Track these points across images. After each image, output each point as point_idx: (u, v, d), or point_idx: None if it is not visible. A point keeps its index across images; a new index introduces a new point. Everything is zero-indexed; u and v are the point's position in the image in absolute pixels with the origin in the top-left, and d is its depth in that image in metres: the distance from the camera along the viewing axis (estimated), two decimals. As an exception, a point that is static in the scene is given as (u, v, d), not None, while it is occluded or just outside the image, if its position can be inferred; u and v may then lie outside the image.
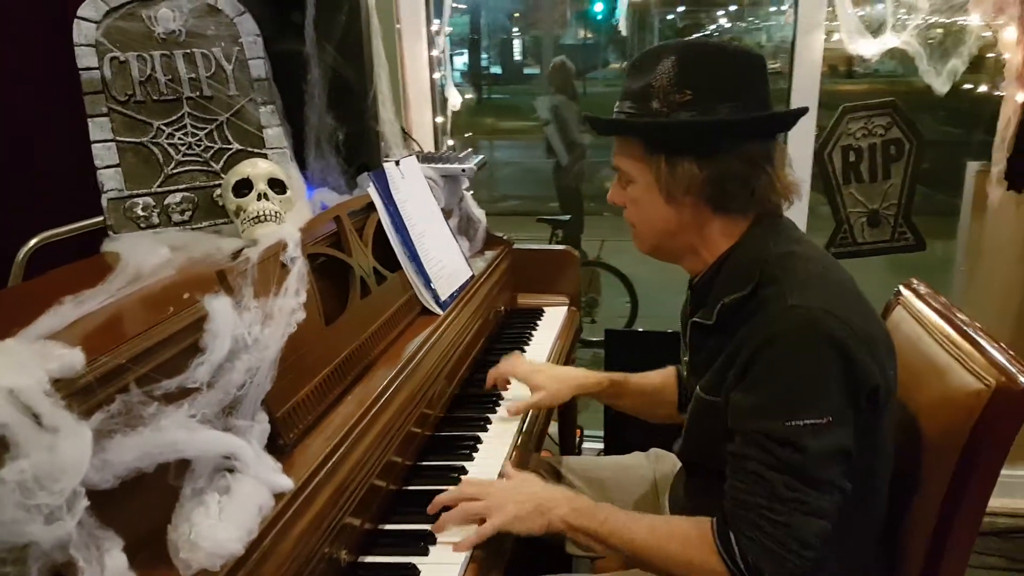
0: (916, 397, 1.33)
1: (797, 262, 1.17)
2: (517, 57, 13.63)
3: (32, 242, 1.59)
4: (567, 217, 4.61)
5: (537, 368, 1.68)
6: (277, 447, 1.12)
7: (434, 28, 2.44)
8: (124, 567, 0.85)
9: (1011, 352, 1.21)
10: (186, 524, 0.95)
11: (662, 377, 1.66)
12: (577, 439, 2.56)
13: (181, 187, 1.47)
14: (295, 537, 1.03)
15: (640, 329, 2.75)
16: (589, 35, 13.49)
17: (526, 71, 13.49)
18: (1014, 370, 1.16)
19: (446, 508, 1.27)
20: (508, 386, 1.71)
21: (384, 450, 1.29)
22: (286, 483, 1.05)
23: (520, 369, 1.66)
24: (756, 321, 1.14)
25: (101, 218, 1.44)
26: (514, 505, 1.24)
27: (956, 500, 1.20)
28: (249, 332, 1.11)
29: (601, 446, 2.71)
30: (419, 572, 1.16)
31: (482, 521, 1.23)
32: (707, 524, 1.17)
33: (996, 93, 2.32)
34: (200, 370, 1.03)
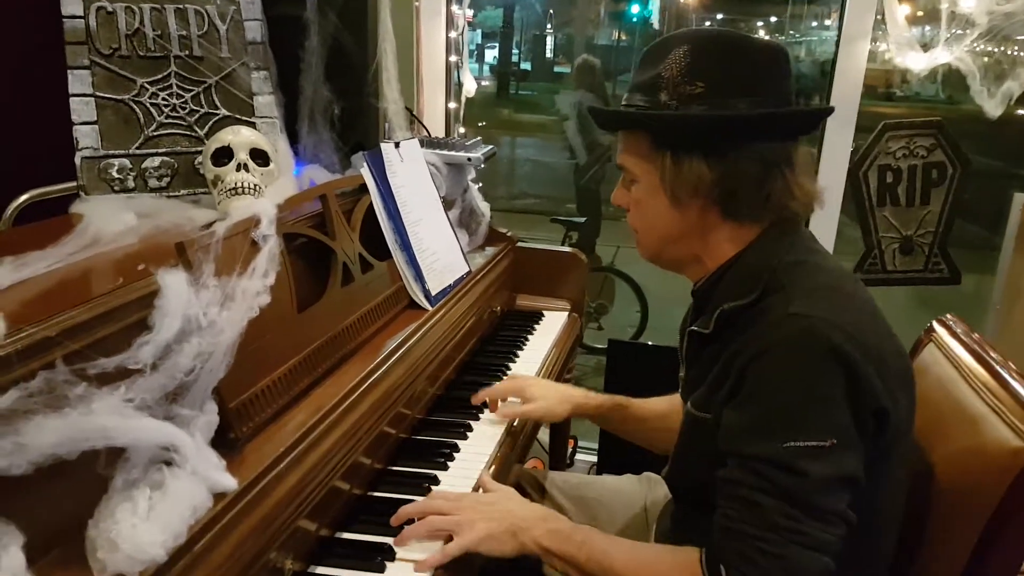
0: (940, 445, 1.21)
1: (808, 271, 1.08)
2: (548, 55, 13.55)
3: (21, 198, 1.49)
4: (583, 219, 4.50)
5: (533, 380, 1.57)
6: (227, 441, 1.02)
7: (455, 9, 2.33)
8: (20, 566, 0.75)
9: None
10: (109, 520, 0.85)
11: (668, 404, 1.52)
12: (570, 449, 2.46)
13: (161, 151, 1.38)
14: (234, 542, 0.93)
15: (648, 342, 2.63)
16: (623, 36, 13.39)
17: (556, 69, 13.40)
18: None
19: (412, 521, 1.16)
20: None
21: (350, 450, 1.19)
22: (228, 482, 0.95)
23: (513, 383, 1.55)
24: (754, 330, 1.04)
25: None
26: (486, 523, 1.13)
27: (984, 560, 1.09)
28: (204, 313, 1.01)
29: (594, 459, 2.60)
30: (375, 586, 1.06)
31: (449, 539, 1.12)
32: (695, 555, 1.05)
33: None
34: (144, 350, 0.93)
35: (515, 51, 12.83)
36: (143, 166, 1.36)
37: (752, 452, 1.00)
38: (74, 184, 1.49)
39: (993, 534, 1.08)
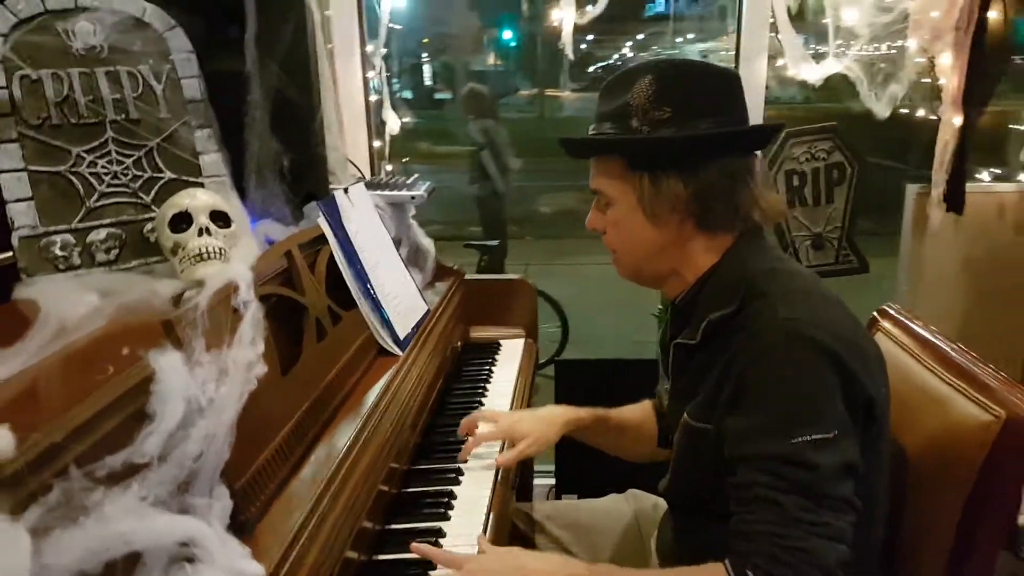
0: (909, 430, 1.27)
1: (782, 277, 1.15)
2: (428, 82, 13.56)
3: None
4: (495, 242, 4.51)
5: (517, 417, 1.54)
6: (237, 524, 0.95)
7: (369, 49, 2.30)
8: None
9: (1012, 382, 1.18)
10: (141, 632, 0.78)
11: (640, 412, 1.58)
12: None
13: (106, 222, 1.28)
14: (270, 632, 0.87)
15: (598, 357, 2.65)
16: (499, 61, 13.56)
17: (437, 96, 13.43)
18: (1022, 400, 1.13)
19: None
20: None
21: (356, 517, 1.14)
22: (257, 571, 0.89)
23: (499, 428, 1.50)
24: (744, 336, 1.10)
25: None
26: None
27: (973, 533, 1.15)
28: (203, 392, 0.95)
29: (552, 481, 2.59)
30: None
31: None
32: (720, 570, 1.04)
33: (932, 117, 2.35)
34: (149, 441, 0.87)
35: (394, 80, 12.79)
36: (88, 240, 1.27)
37: (762, 452, 1.04)
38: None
39: (977, 506, 1.14)
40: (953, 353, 1.30)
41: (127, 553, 0.79)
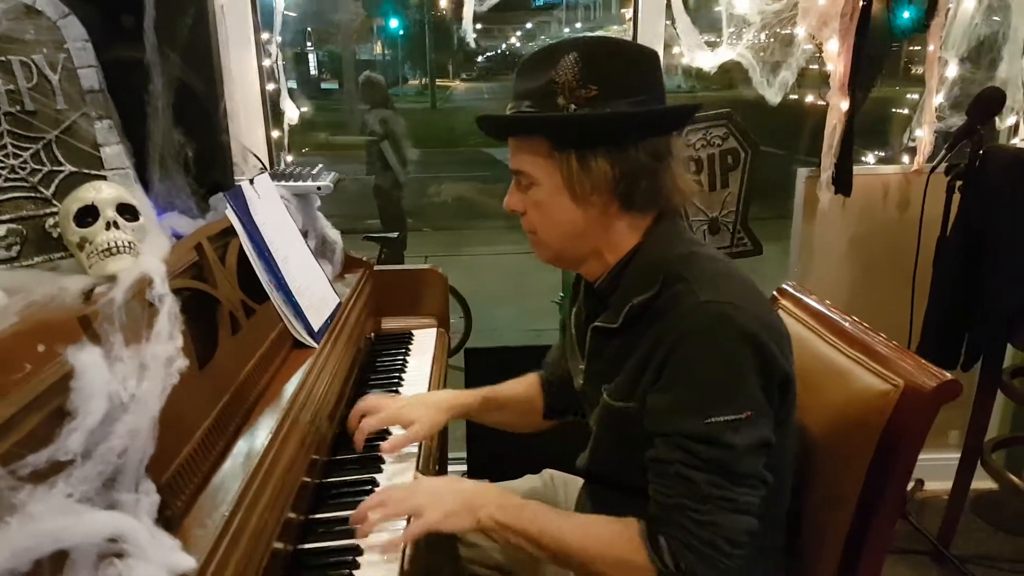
0: (813, 403, 1.33)
1: (701, 261, 1.17)
2: (313, 72, 13.28)
3: None
4: (395, 234, 4.48)
5: (403, 403, 1.54)
6: (165, 519, 0.95)
7: (264, 37, 2.25)
8: None
9: (905, 350, 1.26)
10: (74, 630, 0.77)
11: (524, 386, 1.63)
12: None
13: (4, 218, 1.23)
14: (205, 624, 0.87)
15: (506, 344, 2.69)
16: (386, 50, 13.41)
17: (324, 86, 13.17)
18: (919, 370, 1.20)
19: None
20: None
21: (281, 508, 1.14)
22: (188, 563, 0.89)
23: (386, 414, 1.49)
24: (667, 320, 1.12)
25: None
26: (443, 502, 1.19)
27: (874, 498, 1.22)
28: (124, 387, 0.93)
29: (464, 468, 2.62)
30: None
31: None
32: (635, 526, 1.13)
33: (820, 103, 2.48)
34: (72, 438, 0.85)
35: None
36: (-14, 237, 1.22)
37: (677, 430, 1.09)
38: None
39: (878, 471, 1.21)
40: (850, 327, 1.38)
41: (56, 551, 0.78)
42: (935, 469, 2.77)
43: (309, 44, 12.65)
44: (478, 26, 2.57)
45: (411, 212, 5.89)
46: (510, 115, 1.21)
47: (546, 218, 1.23)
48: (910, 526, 2.63)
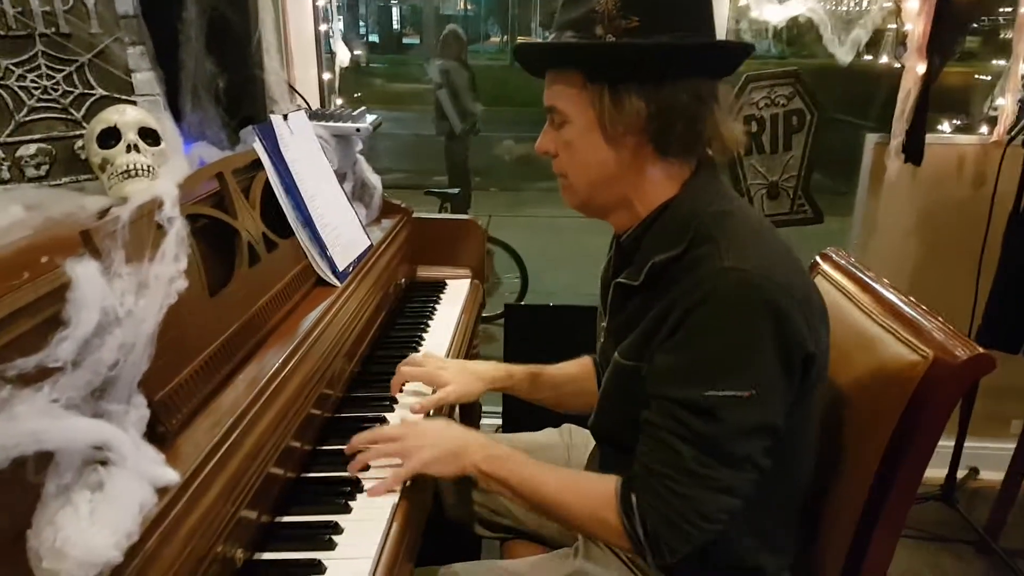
0: (844, 371, 1.28)
1: (732, 221, 1.09)
2: (395, 26, 13.34)
3: None
4: (456, 190, 4.48)
5: (442, 364, 1.52)
6: (157, 435, 0.97)
7: (321, -21, 2.25)
8: (-30, 587, 0.69)
9: (944, 323, 1.20)
10: (50, 528, 0.79)
11: (578, 367, 1.56)
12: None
13: (35, 137, 1.27)
14: (183, 537, 0.89)
15: (547, 303, 2.66)
16: (469, 6, 13.34)
17: (405, 41, 13.21)
18: (951, 341, 1.14)
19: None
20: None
21: (282, 435, 1.16)
22: (171, 476, 0.90)
23: (423, 371, 1.49)
24: (687, 282, 1.06)
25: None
26: (431, 448, 1.20)
27: (891, 473, 1.17)
28: (121, 303, 0.95)
29: (499, 422, 2.63)
30: (324, 567, 1.04)
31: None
32: (614, 483, 1.12)
33: (896, 65, 2.34)
34: (63, 346, 0.87)
35: (361, 24, 12.55)
36: (17, 155, 1.25)
37: (674, 396, 1.05)
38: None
39: (898, 443, 1.16)
40: (889, 295, 1.32)
41: (39, 452, 0.80)
42: (993, 458, 2.66)
43: (392, -2, 12.70)
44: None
45: (479, 170, 5.87)
46: (544, 43, 1.16)
47: (576, 159, 1.16)
48: (957, 514, 2.53)
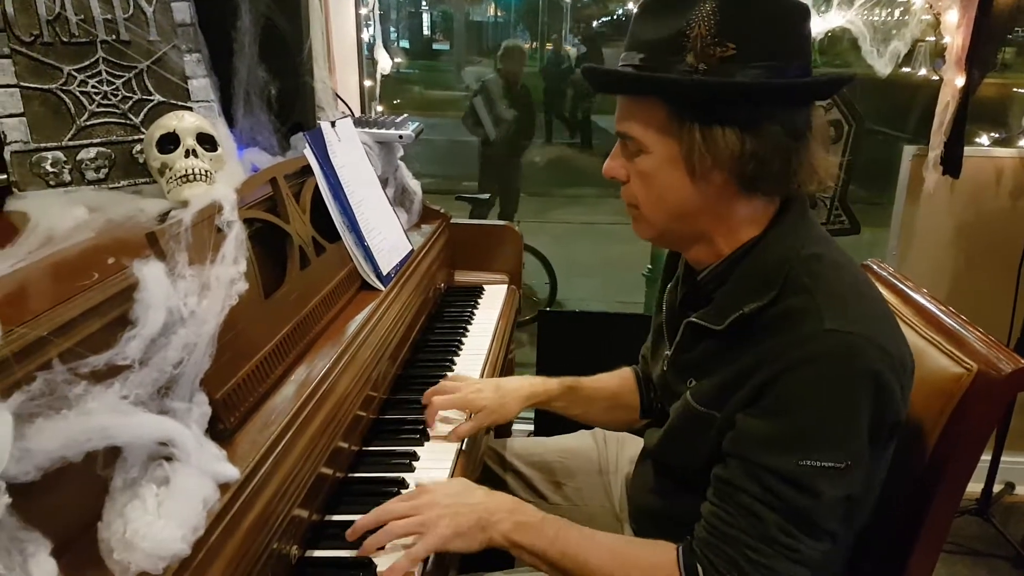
0: None
1: (827, 270, 1.00)
2: (426, 32, 13.40)
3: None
4: (486, 196, 4.51)
5: (478, 387, 1.43)
6: (217, 432, 0.99)
7: (363, -11, 2.29)
8: (53, 573, 0.72)
9: (987, 335, 1.19)
10: (119, 521, 0.82)
11: (618, 380, 1.49)
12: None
13: (96, 141, 1.30)
14: (244, 532, 0.92)
15: (576, 310, 2.67)
16: (500, 13, 13.38)
17: (435, 47, 13.27)
18: (995, 354, 1.13)
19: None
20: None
21: (331, 436, 1.18)
22: (232, 472, 0.93)
23: (458, 396, 1.41)
24: (780, 339, 0.97)
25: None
26: (451, 519, 1.06)
27: (933, 487, 1.16)
28: (185, 303, 0.98)
29: (531, 427, 2.64)
30: (374, 565, 1.06)
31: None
32: (672, 554, 1.04)
33: (934, 78, 2.34)
34: (131, 345, 0.90)
35: (392, 30, 12.64)
36: (78, 158, 1.29)
37: (765, 463, 0.97)
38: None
39: (941, 456, 1.15)
40: (932, 307, 1.31)
41: (108, 446, 0.83)
42: (1030, 475, 2.64)
43: (424, 3, 12.76)
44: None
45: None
46: (625, 72, 1.03)
47: (652, 192, 1.06)
48: (993, 529, 2.51)
